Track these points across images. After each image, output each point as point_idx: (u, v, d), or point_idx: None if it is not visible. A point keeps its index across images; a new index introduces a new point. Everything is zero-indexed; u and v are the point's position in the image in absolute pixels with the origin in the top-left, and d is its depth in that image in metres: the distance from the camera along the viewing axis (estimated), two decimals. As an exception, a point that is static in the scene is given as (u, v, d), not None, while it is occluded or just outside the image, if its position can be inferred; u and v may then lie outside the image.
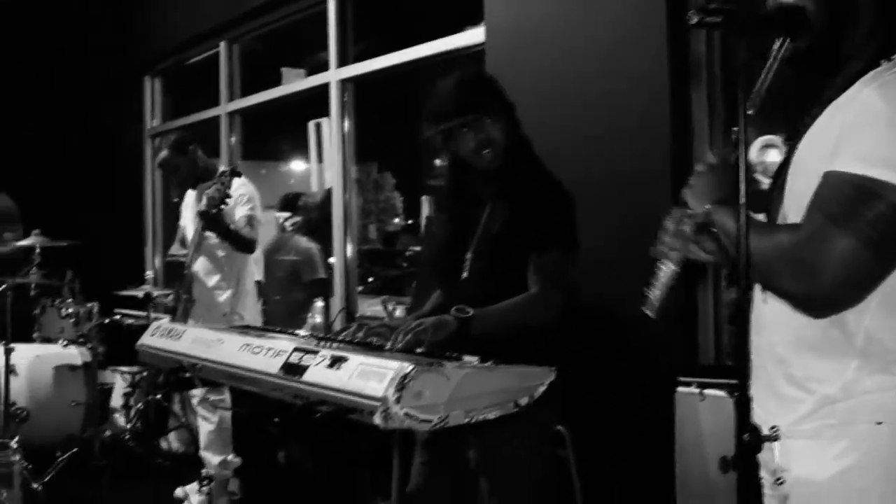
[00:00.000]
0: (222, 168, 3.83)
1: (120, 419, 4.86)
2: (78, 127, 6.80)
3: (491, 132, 2.30)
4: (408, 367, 1.66)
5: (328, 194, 5.22)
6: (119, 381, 4.90)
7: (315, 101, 5.33)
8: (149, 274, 5.09)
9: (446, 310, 2.26)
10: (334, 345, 2.14)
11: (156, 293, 4.73)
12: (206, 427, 3.87)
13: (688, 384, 2.90)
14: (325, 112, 5.11)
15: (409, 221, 9.45)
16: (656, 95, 3.05)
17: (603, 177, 3.14)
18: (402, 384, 1.63)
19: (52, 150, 6.64)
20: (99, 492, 4.34)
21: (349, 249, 4.93)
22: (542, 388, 1.92)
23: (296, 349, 1.96)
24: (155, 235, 6.87)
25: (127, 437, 4.62)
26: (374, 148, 7.14)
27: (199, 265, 3.96)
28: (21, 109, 6.75)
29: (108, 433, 4.68)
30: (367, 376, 1.72)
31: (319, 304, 4.52)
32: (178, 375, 2.39)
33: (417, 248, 6.84)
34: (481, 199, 2.43)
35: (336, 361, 1.82)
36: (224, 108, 5.97)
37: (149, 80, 6.92)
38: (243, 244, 3.98)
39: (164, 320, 3.36)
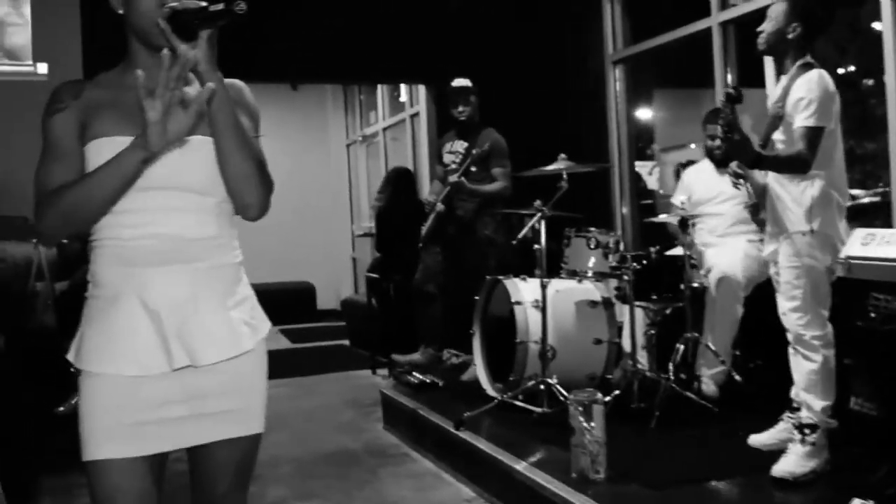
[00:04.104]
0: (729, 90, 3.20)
1: (643, 357, 4.47)
2: (542, 54, 6.52)
3: None
4: None
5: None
6: (641, 317, 4.49)
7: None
8: (680, 200, 4.63)
9: None
10: None
11: (692, 216, 4.27)
12: (807, 366, 3.29)
13: None
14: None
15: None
16: None
17: None
18: None
19: (519, 78, 6.41)
20: (647, 435, 3.96)
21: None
22: None
23: None
24: (622, 169, 6.47)
25: (665, 377, 4.21)
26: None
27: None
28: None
29: (642, 374, 4.29)
30: None
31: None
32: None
33: None
34: None
35: None
36: (716, 17, 5.35)
37: (608, 3, 6.48)
38: (793, 166, 3.30)
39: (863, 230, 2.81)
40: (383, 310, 6.97)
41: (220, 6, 1.58)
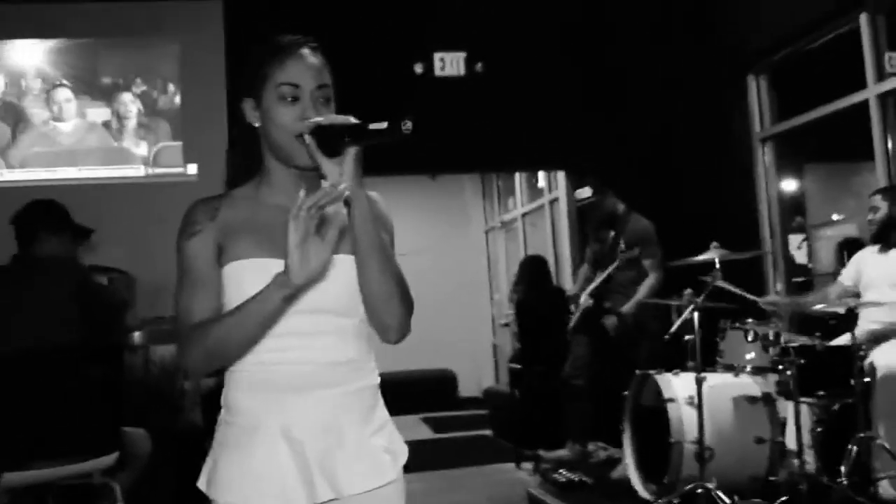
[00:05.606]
0: None
1: (810, 458, 4.13)
2: (686, 135, 6.34)
3: None
4: None
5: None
6: (807, 414, 4.17)
7: None
8: (849, 282, 4.33)
9: None
10: None
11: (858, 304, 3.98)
12: None
13: None
14: None
15: None
16: None
17: None
18: None
19: (663, 160, 6.26)
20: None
21: None
22: None
23: None
24: (774, 250, 6.16)
25: (837, 480, 3.87)
26: None
27: None
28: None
29: (811, 476, 3.96)
30: None
31: None
32: None
33: None
34: None
35: None
36: (873, 89, 5.06)
37: (752, 78, 6.26)
38: None
39: None
40: (527, 401, 6.79)
41: (384, 125, 1.49)
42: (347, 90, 1.81)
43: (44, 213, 3.67)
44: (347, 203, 1.58)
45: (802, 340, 4.15)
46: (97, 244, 4.75)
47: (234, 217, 1.70)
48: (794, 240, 7.32)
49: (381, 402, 1.79)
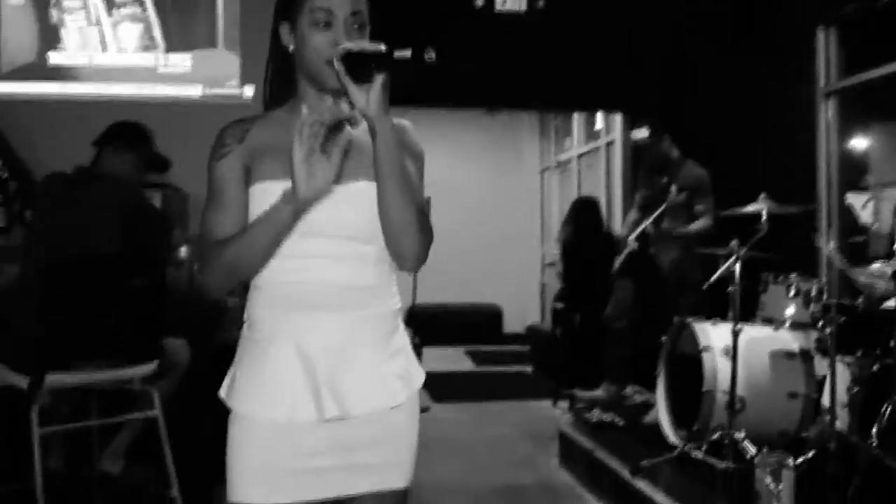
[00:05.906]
0: None
1: (843, 417, 4.11)
2: (746, 86, 6.21)
3: None
4: None
5: None
6: (844, 373, 4.13)
7: None
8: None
9: None
10: None
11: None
12: None
13: None
14: None
15: None
16: None
17: None
18: None
19: (720, 109, 6.14)
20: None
21: None
22: None
23: None
24: (830, 207, 6.05)
25: (868, 441, 3.84)
26: None
27: None
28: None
29: (841, 435, 3.94)
30: None
31: None
32: None
33: None
34: None
35: None
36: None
37: (822, 31, 6.07)
38: None
39: None
40: (568, 341, 6.84)
41: (407, 53, 1.53)
42: (385, 17, 1.82)
43: (114, 132, 3.81)
44: (373, 130, 1.61)
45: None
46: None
47: (263, 139, 1.74)
48: (857, 199, 7.16)
49: (400, 327, 1.83)
